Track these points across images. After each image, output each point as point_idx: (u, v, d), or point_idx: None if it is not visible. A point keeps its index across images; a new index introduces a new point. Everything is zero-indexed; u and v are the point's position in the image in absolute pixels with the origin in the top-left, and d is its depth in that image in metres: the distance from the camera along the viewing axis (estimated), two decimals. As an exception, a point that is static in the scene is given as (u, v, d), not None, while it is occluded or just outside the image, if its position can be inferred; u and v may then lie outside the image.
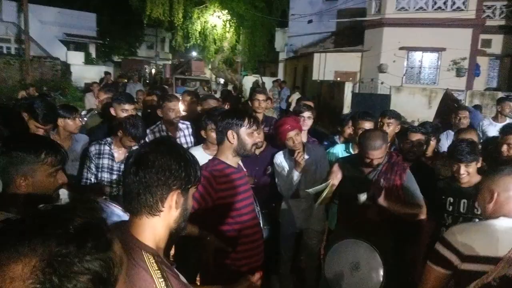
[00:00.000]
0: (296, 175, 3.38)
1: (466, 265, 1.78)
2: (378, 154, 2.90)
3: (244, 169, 2.72)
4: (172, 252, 3.64)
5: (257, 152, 3.38)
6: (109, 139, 3.37)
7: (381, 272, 2.72)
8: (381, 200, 2.84)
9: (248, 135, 2.47)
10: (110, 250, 0.77)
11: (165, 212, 1.24)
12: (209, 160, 2.57)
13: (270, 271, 3.67)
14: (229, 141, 2.46)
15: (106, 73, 14.13)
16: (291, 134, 3.38)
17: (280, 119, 3.74)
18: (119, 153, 3.34)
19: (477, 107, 8.55)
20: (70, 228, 0.73)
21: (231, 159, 2.50)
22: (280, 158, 3.58)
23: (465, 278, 1.79)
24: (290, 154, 3.50)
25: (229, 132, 2.45)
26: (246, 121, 2.47)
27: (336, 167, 3.10)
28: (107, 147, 3.32)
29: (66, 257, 0.69)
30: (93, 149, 3.32)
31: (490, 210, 1.88)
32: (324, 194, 2.98)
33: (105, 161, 3.29)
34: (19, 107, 3.23)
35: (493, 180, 1.90)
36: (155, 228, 1.23)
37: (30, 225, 0.74)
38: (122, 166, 3.27)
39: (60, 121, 3.46)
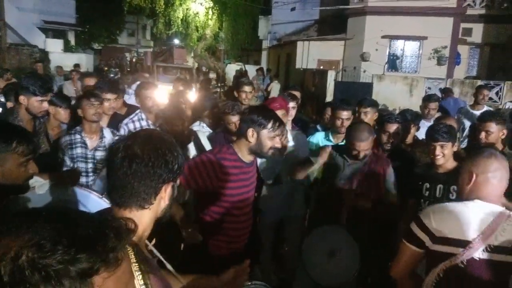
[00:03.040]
0: (279, 158, 3.37)
1: (436, 246, 1.82)
2: (364, 146, 2.96)
3: (255, 164, 2.67)
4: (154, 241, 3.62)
5: None
6: (78, 128, 3.26)
7: (357, 259, 2.76)
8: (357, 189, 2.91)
9: (269, 139, 2.39)
10: (86, 283, 0.67)
11: (155, 204, 1.22)
12: (225, 146, 2.54)
13: (251, 260, 3.69)
14: (247, 139, 2.39)
15: (38, 61, 13.01)
16: (279, 113, 3.38)
17: (270, 98, 3.75)
18: (92, 140, 3.25)
19: (447, 90, 8.64)
20: (75, 234, 0.67)
21: (245, 155, 2.46)
22: None
23: (435, 259, 1.83)
24: None
25: (250, 130, 2.37)
26: (271, 123, 2.38)
27: (328, 148, 3.15)
28: (78, 136, 3.21)
29: (42, 259, 0.64)
30: (64, 140, 3.20)
31: (467, 192, 1.91)
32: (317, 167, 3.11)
33: (78, 151, 3.19)
34: (14, 94, 3.16)
35: (473, 162, 1.93)
36: (141, 221, 1.19)
37: (41, 212, 0.71)
38: (97, 154, 3.21)
39: (51, 109, 3.37)
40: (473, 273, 1.75)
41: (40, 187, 2.46)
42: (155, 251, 1.32)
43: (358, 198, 2.97)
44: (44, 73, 12.50)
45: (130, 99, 5.32)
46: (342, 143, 3.50)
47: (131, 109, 4.28)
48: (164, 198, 1.23)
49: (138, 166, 1.17)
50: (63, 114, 3.47)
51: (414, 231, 1.89)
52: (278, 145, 2.45)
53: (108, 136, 3.32)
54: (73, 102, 5.20)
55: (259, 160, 3.52)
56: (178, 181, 1.30)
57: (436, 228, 1.81)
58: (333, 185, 3.11)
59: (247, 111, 2.55)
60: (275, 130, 2.39)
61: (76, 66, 13.46)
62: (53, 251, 0.64)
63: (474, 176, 1.88)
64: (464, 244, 1.75)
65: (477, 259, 1.74)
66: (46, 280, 0.63)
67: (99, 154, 3.21)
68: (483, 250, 1.73)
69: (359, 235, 2.85)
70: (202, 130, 3.93)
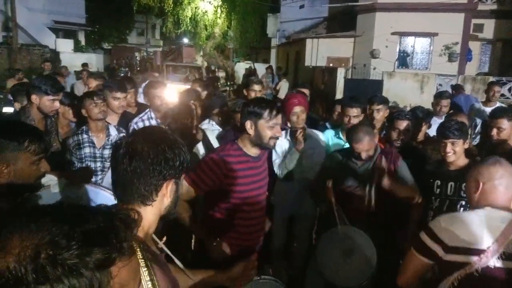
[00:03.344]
0: (295, 154, 3.37)
1: (450, 256, 1.79)
2: (363, 146, 2.93)
3: (263, 158, 2.64)
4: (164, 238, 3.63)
5: None
6: (84, 128, 3.25)
7: (374, 259, 2.74)
8: (386, 183, 2.85)
9: (268, 128, 2.37)
10: (106, 272, 0.71)
11: (158, 201, 1.23)
12: (229, 143, 2.54)
13: (263, 260, 3.68)
14: (247, 132, 2.40)
15: (46, 60, 12.42)
16: (297, 109, 3.38)
17: (290, 94, 3.76)
18: (99, 139, 3.24)
19: (458, 87, 8.56)
20: (83, 229, 0.70)
21: (249, 148, 2.46)
22: (280, 137, 3.55)
23: (448, 268, 1.81)
24: (290, 134, 3.50)
25: (248, 122, 2.38)
26: (267, 112, 2.35)
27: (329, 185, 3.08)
28: (85, 136, 3.20)
29: (58, 255, 0.66)
30: (71, 141, 3.18)
31: (476, 200, 1.90)
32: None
33: (87, 150, 3.17)
34: (26, 94, 3.20)
35: (478, 170, 1.93)
36: (145, 217, 1.20)
37: (49, 211, 0.73)
38: (105, 152, 3.20)
39: (60, 108, 3.41)
40: (489, 281, 1.72)
41: (55, 185, 2.50)
42: (165, 248, 1.32)
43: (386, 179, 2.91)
44: (51, 72, 12.57)
45: (140, 98, 5.35)
46: None
47: (141, 107, 4.31)
48: (166, 195, 1.24)
49: (138, 162, 1.18)
50: (71, 112, 3.50)
51: (426, 242, 1.86)
52: (279, 134, 2.43)
53: (114, 134, 3.33)
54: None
55: (274, 155, 3.51)
56: (182, 179, 1.31)
57: (449, 238, 1.79)
58: (345, 188, 3.10)
59: (244, 104, 2.55)
60: (272, 119, 2.36)
61: (84, 65, 13.50)
62: (69, 246, 0.67)
63: (481, 184, 1.88)
64: (478, 252, 1.73)
65: (492, 267, 1.72)
66: (68, 273, 0.65)
67: (107, 152, 3.20)
68: (498, 258, 1.71)
69: (374, 235, 2.83)
70: (211, 128, 3.94)
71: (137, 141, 1.22)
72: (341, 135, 3.83)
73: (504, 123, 3.44)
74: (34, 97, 3.00)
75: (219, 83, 18.05)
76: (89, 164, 3.17)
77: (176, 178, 1.25)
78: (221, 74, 22.15)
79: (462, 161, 2.95)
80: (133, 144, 1.21)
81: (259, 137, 2.40)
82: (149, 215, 1.22)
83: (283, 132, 3.55)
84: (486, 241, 1.73)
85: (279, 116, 2.41)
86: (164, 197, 1.24)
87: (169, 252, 1.32)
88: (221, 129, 3.94)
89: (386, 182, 2.84)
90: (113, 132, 3.35)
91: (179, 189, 1.30)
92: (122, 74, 17.97)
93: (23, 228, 0.68)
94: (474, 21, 17.77)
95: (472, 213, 1.86)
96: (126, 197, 1.22)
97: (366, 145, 2.94)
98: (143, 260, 1.10)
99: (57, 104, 3.07)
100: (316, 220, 3.85)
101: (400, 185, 2.95)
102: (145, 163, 1.18)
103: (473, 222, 1.79)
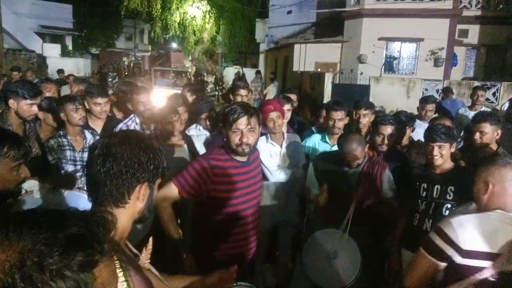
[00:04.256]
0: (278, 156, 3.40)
1: (464, 260, 1.74)
2: (354, 156, 2.99)
3: (254, 163, 2.59)
4: (150, 246, 3.61)
5: None
6: (61, 132, 3.24)
7: (359, 261, 2.75)
8: (366, 203, 2.92)
9: (232, 134, 2.34)
10: (90, 273, 0.72)
11: (131, 203, 1.23)
12: (216, 147, 2.54)
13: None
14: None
15: (14, 68, 11.33)
16: (273, 115, 3.40)
17: (265, 100, 3.78)
18: (77, 141, 3.25)
19: (447, 90, 8.68)
20: (64, 234, 0.70)
21: (234, 154, 2.43)
22: (262, 144, 3.55)
23: (462, 272, 1.75)
24: (271, 138, 3.51)
25: (222, 129, 2.41)
26: (228, 118, 2.32)
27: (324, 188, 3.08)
28: (64, 139, 3.19)
29: (43, 262, 0.66)
30: (52, 143, 3.15)
31: (485, 202, 1.85)
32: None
33: (67, 153, 3.16)
34: (4, 99, 3.15)
35: (488, 171, 1.88)
36: (118, 219, 1.20)
37: (27, 218, 0.73)
38: (84, 155, 3.17)
39: (40, 114, 3.39)
40: (504, 287, 1.67)
41: (37, 191, 2.48)
42: (139, 255, 1.32)
43: (363, 198, 2.96)
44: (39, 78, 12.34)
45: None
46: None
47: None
48: (139, 198, 1.23)
49: (111, 164, 1.19)
50: (51, 118, 3.46)
51: (438, 243, 1.80)
52: (245, 140, 2.33)
53: (89, 137, 3.35)
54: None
55: (266, 165, 3.50)
56: (157, 182, 1.31)
57: (463, 241, 1.74)
58: (333, 192, 3.11)
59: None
60: (232, 124, 2.31)
61: (60, 71, 13.41)
62: (52, 252, 0.68)
63: (491, 186, 1.83)
64: (494, 257, 1.68)
65: (508, 272, 1.66)
66: (55, 277, 0.67)
67: (86, 155, 3.16)
68: None
69: (359, 238, 2.85)
70: (199, 133, 3.92)
71: (112, 142, 1.22)
72: (327, 139, 3.85)
73: (487, 127, 3.48)
74: (11, 102, 2.96)
75: (207, 88, 18.06)
76: (69, 167, 3.15)
77: (150, 182, 1.25)
78: (210, 79, 22.15)
79: (448, 164, 2.98)
80: (107, 146, 1.21)
81: (230, 144, 2.37)
82: (122, 217, 1.22)
83: (264, 138, 3.56)
84: (501, 246, 1.68)
85: (240, 121, 2.32)
86: (137, 200, 1.23)
87: (142, 259, 1.31)
88: (208, 134, 3.93)
89: (367, 202, 2.92)
90: (88, 135, 3.37)
91: (153, 193, 1.29)
92: (110, 79, 17.88)
93: (3, 237, 0.68)
94: (459, 26, 18.05)
95: (484, 216, 1.79)
96: (99, 198, 1.22)
97: (357, 155, 2.99)
98: (117, 262, 1.10)
99: (35, 108, 3.04)
100: (302, 225, 3.86)
101: (380, 204, 3.02)
102: (118, 164, 1.18)
103: (487, 225, 1.74)
